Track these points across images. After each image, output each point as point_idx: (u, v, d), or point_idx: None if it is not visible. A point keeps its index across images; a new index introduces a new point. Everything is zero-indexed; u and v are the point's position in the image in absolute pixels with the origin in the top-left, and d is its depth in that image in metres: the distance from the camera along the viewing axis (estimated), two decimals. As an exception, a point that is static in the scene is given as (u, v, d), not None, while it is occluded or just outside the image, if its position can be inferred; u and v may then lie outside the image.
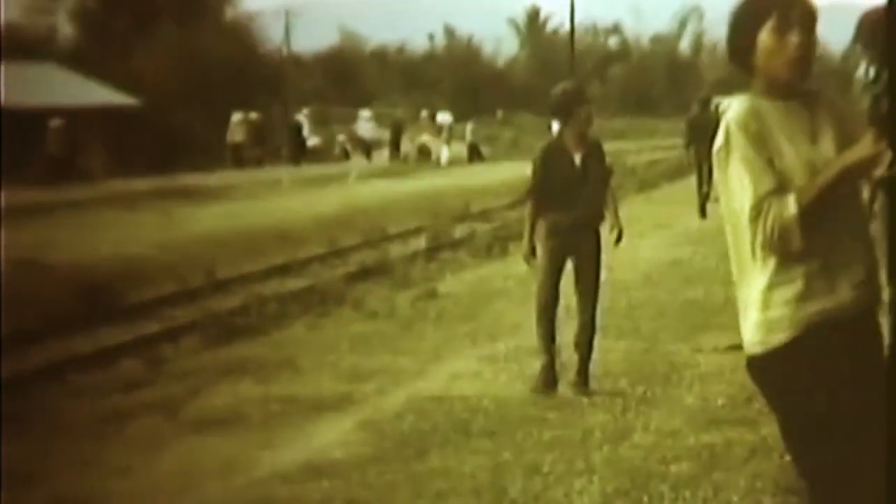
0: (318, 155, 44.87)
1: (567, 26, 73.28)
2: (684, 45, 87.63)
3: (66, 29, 56.65)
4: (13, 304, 12.80)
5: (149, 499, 5.92)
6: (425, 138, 43.55)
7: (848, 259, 3.24)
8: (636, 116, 71.63)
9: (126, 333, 11.84)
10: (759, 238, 3.19)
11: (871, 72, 3.52)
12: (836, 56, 59.59)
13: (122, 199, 24.96)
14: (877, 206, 4.96)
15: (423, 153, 42.30)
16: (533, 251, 7.72)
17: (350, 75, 75.57)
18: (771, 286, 3.24)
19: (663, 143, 48.21)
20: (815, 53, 3.36)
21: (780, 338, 3.23)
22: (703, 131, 17.47)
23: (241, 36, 55.31)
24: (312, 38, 71.45)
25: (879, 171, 3.04)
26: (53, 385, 9.56)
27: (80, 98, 39.91)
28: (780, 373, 3.26)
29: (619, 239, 7.91)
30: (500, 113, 67.47)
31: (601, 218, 7.84)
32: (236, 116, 44.20)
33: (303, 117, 47.51)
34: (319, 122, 50.60)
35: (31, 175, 30.03)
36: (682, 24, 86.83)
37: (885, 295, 3.16)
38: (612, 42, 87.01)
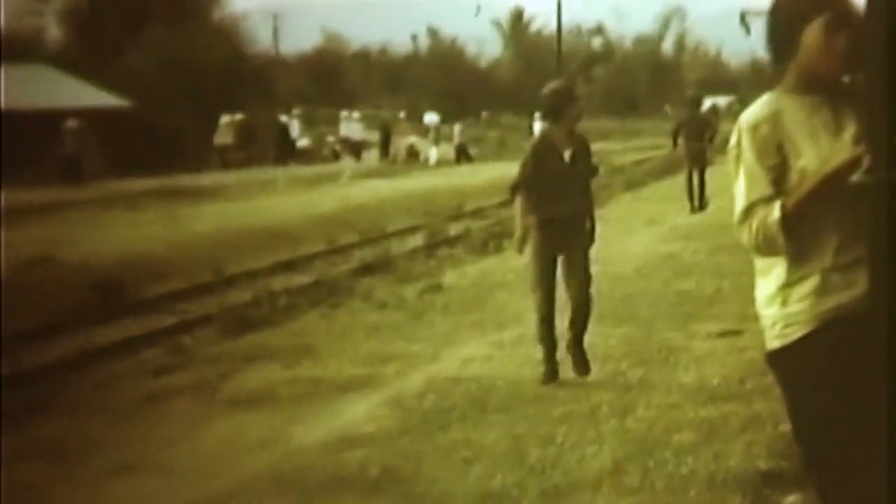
0: (307, 156, 45.32)
1: (550, 27, 73.98)
2: (667, 45, 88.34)
3: (54, 31, 56.96)
4: (30, 298, 13.36)
5: (201, 466, 6.46)
6: (414, 139, 44.12)
7: (863, 254, 3.15)
8: (620, 116, 72.18)
9: (143, 326, 12.36)
10: (746, 241, 3.30)
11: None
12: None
13: (122, 199, 25.52)
14: None
15: (412, 154, 42.84)
16: (524, 242, 7.81)
17: (334, 77, 75.89)
18: (789, 283, 3.32)
19: (648, 142, 48.96)
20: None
21: (798, 332, 3.31)
22: (693, 130, 18.14)
23: (229, 37, 55.64)
24: (295, 40, 71.76)
25: (855, 177, 3.05)
26: (84, 372, 10.08)
27: (72, 100, 40.30)
28: (799, 366, 3.33)
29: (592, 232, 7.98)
30: (484, 114, 67.94)
31: (590, 212, 7.98)
32: (224, 118, 44.61)
33: (294, 119, 47.94)
34: (307, 124, 51.05)
35: (47, 175, 30.59)
36: (665, 25, 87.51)
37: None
38: (596, 43, 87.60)
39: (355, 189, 28.32)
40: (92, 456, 6.86)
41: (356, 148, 42.29)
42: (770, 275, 3.38)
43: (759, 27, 3.55)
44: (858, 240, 3.14)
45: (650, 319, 10.22)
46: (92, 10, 53.57)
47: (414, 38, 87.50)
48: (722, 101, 64.26)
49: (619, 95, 77.84)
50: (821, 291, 3.29)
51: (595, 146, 8.81)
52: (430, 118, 47.08)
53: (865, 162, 2.90)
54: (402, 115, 50.20)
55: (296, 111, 49.46)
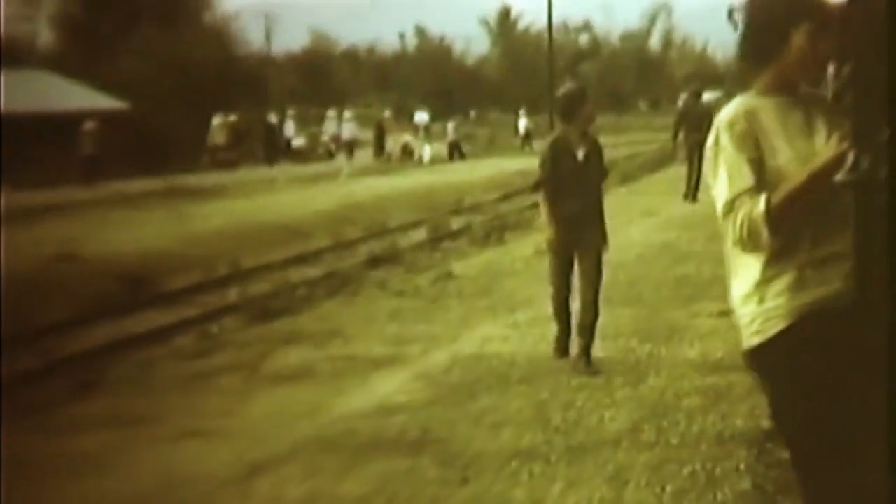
0: (302, 155, 45.85)
1: (537, 25, 74.52)
2: (654, 41, 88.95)
3: (46, 36, 57.32)
4: (60, 292, 14.00)
5: (256, 432, 7.10)
6: (408, 138, 44.72)
7: (838, 250, 3.29)
8: (608, 112, 72.82)
9: (171, 317, 12.96)
10: (730, 234, 3.33)
11: (832, 69, 3.50)
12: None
13: (127, 198, 26.15)
14: None
15: (406, 152, 43.43)
16: (556, 239, 8.15)
17: (323, 76, 76.30)
18: (765, 279, 3.35)
19: (638, 137, 49.70)
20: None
21: (777, 326, 3.34)
22: (694, 121, 18.81)
23: (221, 38, 56.07)
24: (284, 40, 72.15)
25: (840, 176, 3.11)
26: (124, 356, 10.69)
27: (67, 102, 40.80)
28: (780, 360, 3.36)
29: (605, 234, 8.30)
30: (472, 112, 68.48)
31: (601, 213, 8.31)
32: (217, 119, 45.01)
33: (289, 118, 48.43)
34: (300, 123, 51.54)
35: (53, 176, 31.20)
36: (652, 21, 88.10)
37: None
38: (583, 40, 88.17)
39: (354, 186, 28.92)
40: (154, 425, 7.49)
41: (350, 146, 42.82)
42: (744, 274, 3.42)
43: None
44: (833, 235, 3.29)
45: (654, 301, 10.90)
46: (84, 13, 53.95)
47: (402, 36, 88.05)
48: (709, 96, 64.79)
49: (608, 91, 78.42)
50: (797, 287, 3.32)
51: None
52: (421, 116, 47.61)
53: (849, 160, 3.03)
54: (387, 113, 50.67)
55: (291, 111, 49.95)
